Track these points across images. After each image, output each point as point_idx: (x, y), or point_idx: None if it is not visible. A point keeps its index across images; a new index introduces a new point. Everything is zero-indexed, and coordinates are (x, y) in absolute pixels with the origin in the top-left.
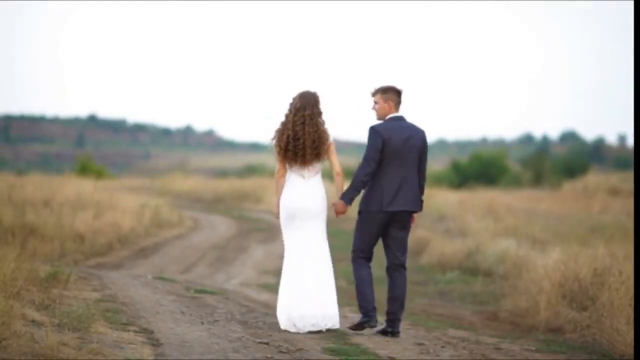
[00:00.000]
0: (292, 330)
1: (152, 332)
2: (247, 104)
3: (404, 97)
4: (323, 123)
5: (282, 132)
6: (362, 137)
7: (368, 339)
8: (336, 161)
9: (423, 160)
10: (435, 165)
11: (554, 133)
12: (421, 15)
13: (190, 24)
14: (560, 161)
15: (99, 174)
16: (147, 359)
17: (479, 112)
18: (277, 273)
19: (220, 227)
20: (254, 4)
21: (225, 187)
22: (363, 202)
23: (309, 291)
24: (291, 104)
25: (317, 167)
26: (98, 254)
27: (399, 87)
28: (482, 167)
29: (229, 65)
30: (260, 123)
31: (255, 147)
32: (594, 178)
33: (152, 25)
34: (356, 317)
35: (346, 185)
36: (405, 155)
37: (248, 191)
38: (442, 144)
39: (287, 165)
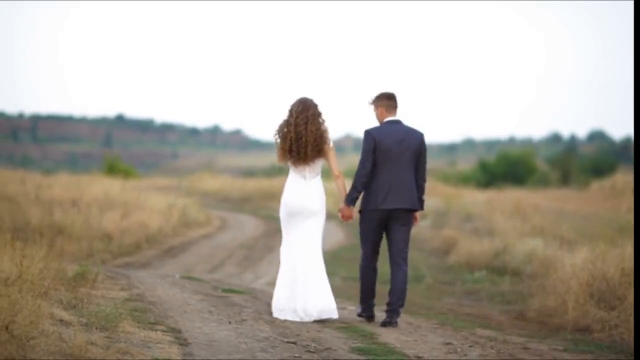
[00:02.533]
0: (282, 318)
1: (179, 331)
2: (275, 103)
3: (399, 100)
4: (323, 123)
5: (285, 135)
6: None
7: (396, 339)
8: (335, 165)
9: (421, 161)
10: (462, 164)
11: (581, 132)
12: (450, 14)
13: (219, 23)
14: (588, 160)
15: (126, 174)
16: (175, 359)
17: (507, 111)
18: None
19: (248, 226)
20: (283, 4)
21: (252, 187)
22: (361, 202)
23: (301, 286)
24: (291, 110)
25: (318, 168)
26: (126, 254)
27: (390, 92)
28: (509, 167)
29: (257, 65)
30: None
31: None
32: (622, 177)
33: (181, 24)
34: (383, 315)
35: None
36: (398, 156)
37: (275, 190)
38: (469, 143)
39: (290, 165)
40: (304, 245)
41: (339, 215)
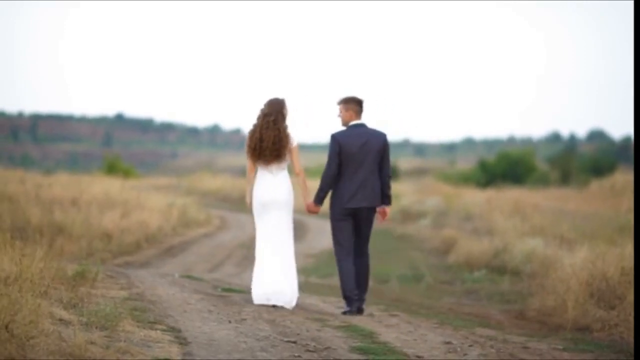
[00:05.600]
0: (266, 303)
1: (179, 330)
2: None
3: (365, 105)
4: (286, 128)
5: (252, 134)
6: (391, 136)
7: (396, 338)
8: (297, 163)
9: (385, 160)
10: (462, 164)
11: (581, 132)
12: (450, 14)
13: (219, 23)
14: (587, 160)
15: (126, 173)
16: (175, 358)
17: (507, 111)
18: (304, 272)
19: (248, 226)
20: (283, 4)
21: None
22: (330, 201)
23: (274, 273)
24: (261, 110)
25: (284, 164)
26: (125, 253)
27: (359, 97)
28: (509, 166)
29: (256, 64)
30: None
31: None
32: (622, 177)
33: (181, 24)
34: (384, 315)
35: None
36: (362, 158)
37: None
38: (469, 143)
39: (256, 163)
40: (276, 236)
41: (305, 208)
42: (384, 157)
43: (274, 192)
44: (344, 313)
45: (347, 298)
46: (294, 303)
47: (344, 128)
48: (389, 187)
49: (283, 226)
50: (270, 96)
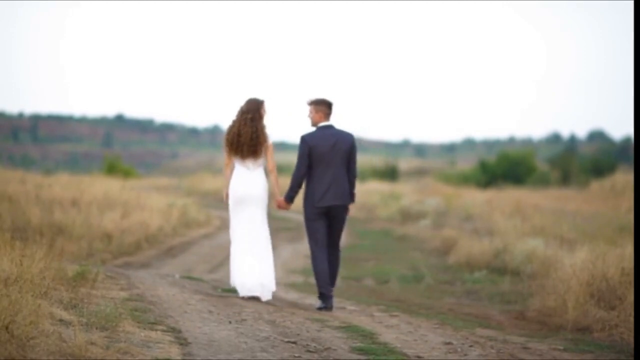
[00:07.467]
0: (244, 294)
1: (179, 331)
2: (274, 103)
3: (334, 108)
4: (263, 126)
5: (231, 129)
6: (391, 137)
7: (396, 338)
8: (271, 161)
9: (352, 160)
10: (462, 164)
11: (581, 132)
12: (451, 14)
13: (219, 23)
14: (588, 160)
15: (126, 174)
16: (175, 358)
17: (507, 111)
18: (304, 272)
19: None
20: (283, 4)
21: None
22: (303, 200)
23: (250, 265)
24: (240, 107)
25: (260, 160)
26: (126, 253)
27: (329, 100)
28: (509, 167)
29: (256, 65)
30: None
31: (281, 146)
32: (622, 177)
33: (181, 24)
34: (384, 315)
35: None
36: (332, 158)
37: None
38: (469, 143)
39: (233, 158)
40: (251, 230)
41: (275, 204)
42: (351, 158)
43: (250, 187)
44: (319, 309)
45: (322, 295)
46: (270, 296)
47: (313, 128)
48: (353, 186)
49: (257, 220)
50: (250, 95)
